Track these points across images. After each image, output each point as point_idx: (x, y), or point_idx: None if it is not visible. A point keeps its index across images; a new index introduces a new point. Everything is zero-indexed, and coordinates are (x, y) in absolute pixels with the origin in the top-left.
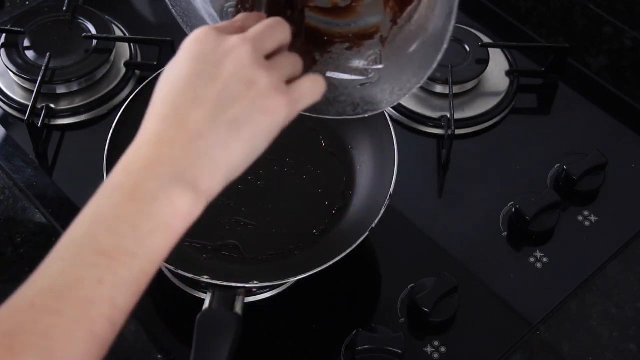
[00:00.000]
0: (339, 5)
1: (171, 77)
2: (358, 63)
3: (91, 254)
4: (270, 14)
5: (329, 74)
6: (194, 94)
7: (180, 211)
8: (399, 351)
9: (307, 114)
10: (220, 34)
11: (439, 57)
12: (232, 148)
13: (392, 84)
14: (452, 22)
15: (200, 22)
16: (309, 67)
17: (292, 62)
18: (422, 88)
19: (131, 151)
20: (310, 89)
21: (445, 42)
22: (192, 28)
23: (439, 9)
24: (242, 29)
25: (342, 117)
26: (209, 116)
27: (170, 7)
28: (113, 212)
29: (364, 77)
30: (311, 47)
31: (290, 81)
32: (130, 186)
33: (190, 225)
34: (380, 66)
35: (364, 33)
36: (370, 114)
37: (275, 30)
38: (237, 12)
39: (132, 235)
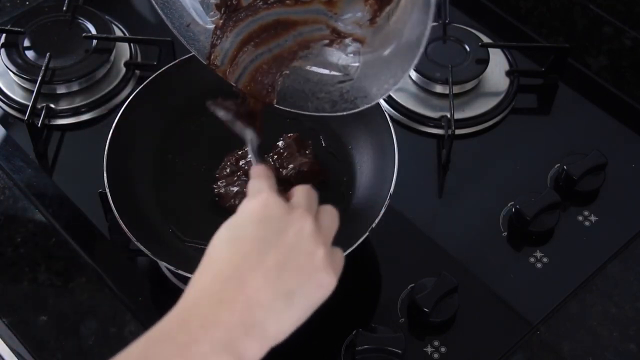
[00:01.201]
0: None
1: (235, 237)
2: (337, 60)
3: None
4: None
5: (308, 69)
6: (257, 259)
7: None
8: (399, 351)
9: (286, 108)
10: (286, 202)
11: (415, 61)
12: (284, 320)
13: (370, 83)
14: (428, 29)
15: (180, 11)
16: (289, 63)
17: (333, 222)
18: (422, 88)
19: (190, 302)
20: (342, 257)
21: (420, 47)
22: (172, 19)
23: (416, 16)
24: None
25: (319, 114)
26: (270, 285)
27: None
28: None
29: (343, 74)
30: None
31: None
32: (184, 343)
33: None
34: (358, 64)
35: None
36: (348, 112)
37: (315, 195)
38: (220, 3)
39: None
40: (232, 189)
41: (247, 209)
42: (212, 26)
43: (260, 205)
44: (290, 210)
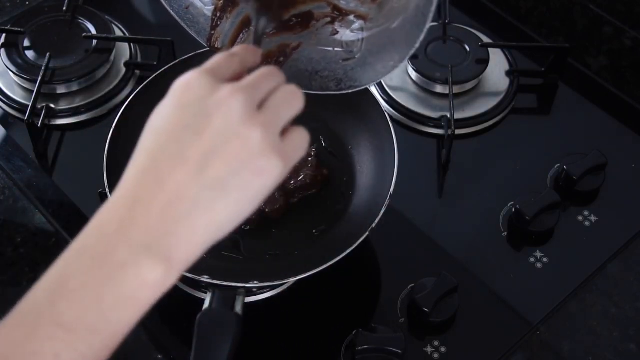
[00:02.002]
0: None
1: (155, 126)
2: (341, 37)
3: (50, 324)
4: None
5: (311, 49)
6: (177, 150)
7: (150, 284)
8: (399, 351)
9: None
10: (214, 81)
11: (422, 37)
12: (215, 212)
13: (374, 60)
14: (434, 4)
15: (183, 2)
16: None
17: (287, 102)
18: (422, 88)
19: (110, 204)
20: (301, 142)
21: (427, 22)
22: (170, 2)
23: None
24: (240, 68)
25: (325, 92)
26: (192, 176)
27: None
28: (79, 279)
29: (347, 52)
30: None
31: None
32: (100, 252)
33: (161, 295)
34: (361, 38)
35: (346, 7)
36: (353, 90)
37: (271, 77)
38: None
39: (96, 307)
40: None
41: (170, 91)
42: (211, 7)
43: (181, 85)
44: (217, 90)
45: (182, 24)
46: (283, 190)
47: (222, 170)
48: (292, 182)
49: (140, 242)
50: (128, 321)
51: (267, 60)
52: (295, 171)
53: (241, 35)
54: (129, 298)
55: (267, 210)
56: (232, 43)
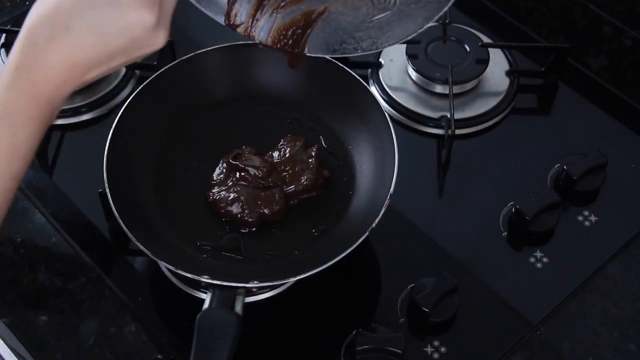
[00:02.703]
0: None
1: None
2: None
3: None
4: None
5: (341, 10)
6: None
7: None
8: (399, 351)
9: (321, 55)
10: None
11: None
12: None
13: (413, 10)
14: None
15: None
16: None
17: None
18: (422, 88)
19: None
20: None
21: None
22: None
23: None
24: None
25: (361, 53)
26: (78, 12)
27: None
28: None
29: (379, 7)
30: None
31: None
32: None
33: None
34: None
35: None
36: (391, 44)
37: None
38: None
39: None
40: (225, 195)
41: None
42: None
43: None
44: None
45: (197, 5)
46: (283, 193)
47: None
48: (292, 186)
49: (13, 64)
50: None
51: (291, 28)
52: (296, 175)
53: (260, 9)
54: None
55: (267, 212)
56: (252, 18)
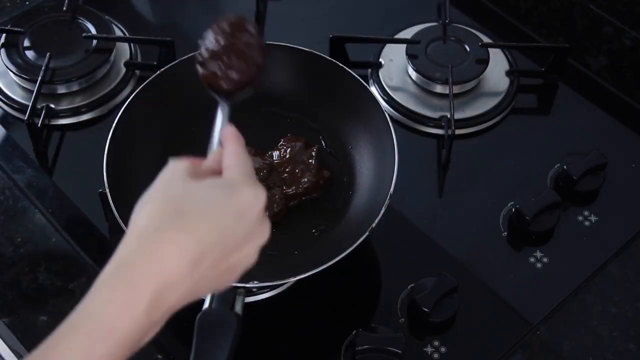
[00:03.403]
0: None
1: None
2: None
3: None
4: None
5: None
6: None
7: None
8: (399, 351)
9: None
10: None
11: None
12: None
13: None
14: None
15: None
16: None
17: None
18: (422, 88)
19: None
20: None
21: None
22: None
23: None
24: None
25: None
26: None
27: None
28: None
29: None
30: None
31: None
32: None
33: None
34: None
35: None
36: None
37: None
38: None
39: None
40: None
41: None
42: None
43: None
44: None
45: None
46: (283, 194)
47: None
48: (293, 188)
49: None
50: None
51: None
52: (296, 176)
53: None
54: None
55: (267, 214)
56: None
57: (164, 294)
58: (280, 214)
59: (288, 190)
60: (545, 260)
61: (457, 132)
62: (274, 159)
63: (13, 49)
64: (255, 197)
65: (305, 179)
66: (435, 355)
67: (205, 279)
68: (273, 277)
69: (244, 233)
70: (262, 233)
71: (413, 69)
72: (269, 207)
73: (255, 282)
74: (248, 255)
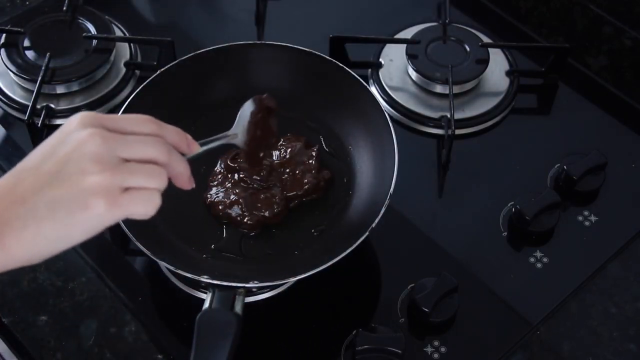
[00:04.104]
0: None
1: (43, 142)
2: None
3: None
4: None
5: None
6: (37, 164)
7: None
8: (399, 351)
9: None
10: (98, 123)
11: None
12: (43, 225)
13: None
14: None
15: None
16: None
17: (149, 174)
18: (422, 88)
19: None
20: (143, 202)
21: None
22: None
23: None
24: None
25: None
26: (37, 188)
27: None
28: None
29: None
30: None
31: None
32: None
33: None
34: None
35: None
36: None
37: (152, 145)
38: None
39: None
40: (224, 197)
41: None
42: None
43: (74, 116)
44: (87, 128)
45: None
46: (283, 194)
47: (58, 194)
48: (293, 190)
49: None
50: None
51: None
52: (297, 178)
53: None
54: None
55: (267, 215)
56: None
57: None
58: (280, 215)
59: (289, 193)
60: (545, 260)
61: (457, 132)
62: (274, 159)
63: (13, 49)
64: (68, 136)
65: (306, 181)
66: (435, 355)
67: (35, 202)
68: (273, 277)
69: (57, 167)
70: (78, 168)
71: (413, 69)
72: (269, 207)
73: (255, 282)
74: (71, 186)
